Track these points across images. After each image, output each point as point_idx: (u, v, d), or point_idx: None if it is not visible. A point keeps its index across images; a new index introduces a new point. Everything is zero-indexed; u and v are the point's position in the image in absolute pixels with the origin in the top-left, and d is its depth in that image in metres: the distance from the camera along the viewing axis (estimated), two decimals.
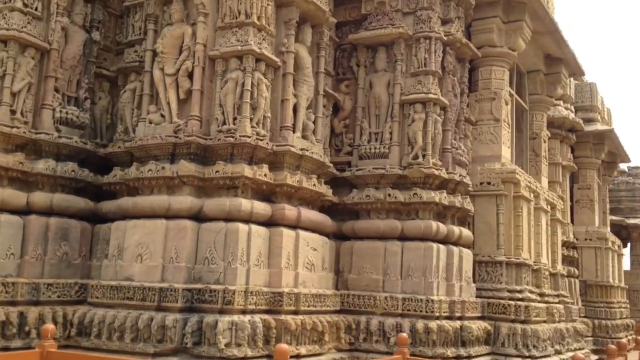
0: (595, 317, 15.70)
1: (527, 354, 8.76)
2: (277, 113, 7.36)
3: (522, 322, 8.94)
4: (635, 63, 67.38)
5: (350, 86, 9.14)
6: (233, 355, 6.15)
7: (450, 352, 7.86)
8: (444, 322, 7.95)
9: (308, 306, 7.17)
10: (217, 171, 6.84)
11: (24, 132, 7.26)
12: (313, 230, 7.63)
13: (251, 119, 6.95)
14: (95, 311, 6.77)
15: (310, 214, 7.59)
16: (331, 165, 8.30)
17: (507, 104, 10.14)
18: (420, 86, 8.55)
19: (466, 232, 9.02)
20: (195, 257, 6.73)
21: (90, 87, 8.15)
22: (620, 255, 17.76)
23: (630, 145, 56.16)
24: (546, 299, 10.09)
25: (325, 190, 7.94)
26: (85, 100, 8.04)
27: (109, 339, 6.56)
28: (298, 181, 7.29)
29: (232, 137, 6.83)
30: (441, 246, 8.34)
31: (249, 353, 6.26)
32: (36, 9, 7.47)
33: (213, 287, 6.45)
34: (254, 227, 6.83)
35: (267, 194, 7.21)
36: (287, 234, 7.13)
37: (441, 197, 8.37)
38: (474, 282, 9.06)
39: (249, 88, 6.94)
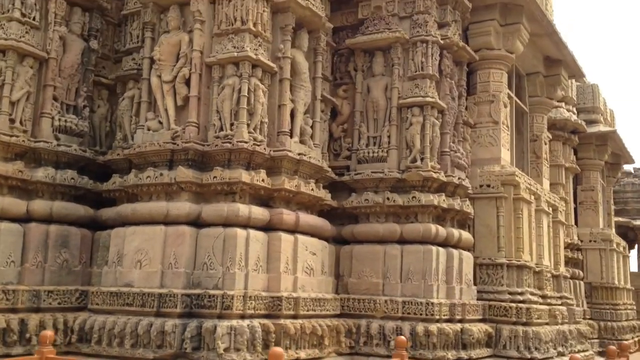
0: (601, 319, 15.63)
1: (529, 356, 8.75)
2: (274, 118, 7.39)
3: (524, 324, 8.93)
4: (638, 64, 67.24)
5: (348, 91, 9.17)
6: None
7: (450, 354, 7.87)
8: (444, 325, 7.95)
9: (307, 310, 7.19)
10: (214, 177, 6.86)
11: (23, 141, 7.33)
12: (312, 235, 7.65)
13: (248, 125, 6.98)
14: (96, 317, 6.81)
15: (308, 219, 7.61)
16: (329, 169, 8.32)
17: (505, 106, 10.14)
18: (418, 90, 8.57)
19: (466, 235, 9.01)
20: (194, 263, 6.76)
21: (89, 95, 8.23)
22: (625, 257, 17.69)
23: (635, 146, 55.92)
24: (548, 300, 10.07)
25: (324, 194, 7.96)
26: (84, 108, 8.11)
27: (109, 345, 6.59)
28: (296, 186, 7.31)
29: (230, 142, 6.87)
30: (441, 249, 8.35)
31: (248, 357, 6.27)
32: (34, 19, 7.55)
33: (212, 292, 6.47)
34: (252, 232, 6.85)
35: (265, 199, 7.23)
36: (286, 238, 7.15)
37: (440, 200, 8.37)
38: (475, 284, 9.05)
39: (246, 94, 6.97)
